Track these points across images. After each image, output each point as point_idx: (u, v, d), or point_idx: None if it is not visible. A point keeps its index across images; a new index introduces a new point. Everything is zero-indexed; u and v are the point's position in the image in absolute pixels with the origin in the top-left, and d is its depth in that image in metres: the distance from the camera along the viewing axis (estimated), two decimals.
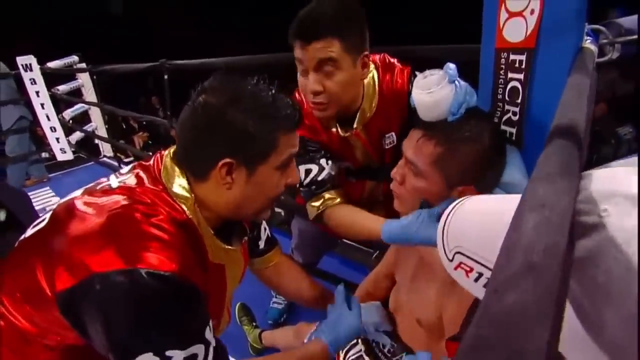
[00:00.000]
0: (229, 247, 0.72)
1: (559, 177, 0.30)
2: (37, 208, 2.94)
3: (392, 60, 1.00)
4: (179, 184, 0.64)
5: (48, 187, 3.51)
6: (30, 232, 0.64)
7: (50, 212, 0.64)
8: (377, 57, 1.00)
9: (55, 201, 3.17)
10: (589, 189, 0.30)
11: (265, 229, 0.95)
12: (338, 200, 0.94)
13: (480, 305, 0.20)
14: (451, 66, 0.66)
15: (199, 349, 0.57)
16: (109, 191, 0.62)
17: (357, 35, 0.83)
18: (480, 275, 0.39)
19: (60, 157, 3.88)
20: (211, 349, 0.60)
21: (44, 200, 3.25)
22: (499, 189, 0.68)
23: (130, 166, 0.70)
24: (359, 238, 0.98)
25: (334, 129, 0.97)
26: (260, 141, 0.62)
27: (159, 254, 0.54)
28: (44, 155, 4.14)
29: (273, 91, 0.64)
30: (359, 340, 0.91)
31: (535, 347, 0.17)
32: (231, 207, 0.66)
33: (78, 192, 0.66)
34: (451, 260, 0.46)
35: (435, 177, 0.67)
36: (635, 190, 0.27)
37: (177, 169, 0.65)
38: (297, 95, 0.98)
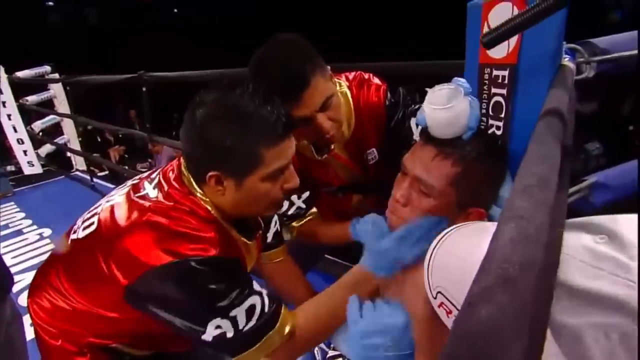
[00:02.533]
0: (247, 240, 0.78)
1: (538, 190, 0.30)
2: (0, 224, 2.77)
3: (366, 76, 1.00)
4: (196, 188, 0.71)
5: (13, 202, 3.30)
6: (82, 233, 0.73)
7: (97, 216, 0.72)
8: (350, 74, 1.00)
9: (19, 217, 3.00)
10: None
11: (275, 222, 0.96)
12: (306, 219, 1.01)
13: (455, 320, 0.19)
14: (461, 80, 0.64)
15: (254, 299, 0.67)
16: (145, 198, 0.70)
17: (322, 64, 0.83)
18: None
19: (28, 170, 3.69)
20: (265, 297, 0.69)
21: (9, 215, 3.05)
22: (494, 206, 0.68)
23: (157, 171, 0.78)
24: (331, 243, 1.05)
25: (308, 154, 0.96)
26: (241, 156, 0.64)
27: (198, 244, 0.65)
28: (10, 168, 3.93)
29: (257, 101, 0.64)
30: None
31: None
32: (231, 209, 0.72)
33: (117, 196, 0.74)
34: (435, 298, 0.45)
35: (449, 198, 0.63)
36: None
37: (189, 174, 0.71)
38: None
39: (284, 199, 0.76)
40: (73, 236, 0.75)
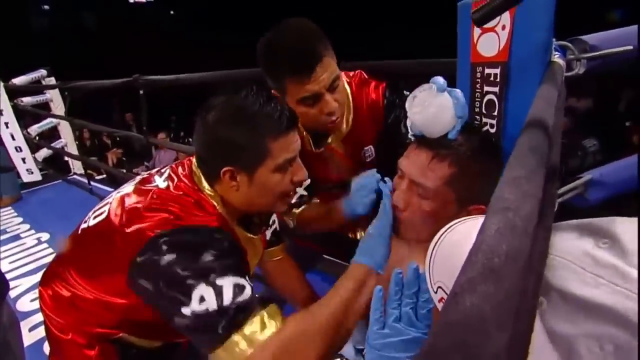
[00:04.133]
0: (251, 235, 0.82)
1: (525, 181, 0.30)
2: None
3: (366, 75, 1.01)
4: (205, 185, 0.75)
5: (10, 207, 3.29)
6: (92, 221, 0.76)
7: (108, 206, 0.76)
8: (350, 73, 1.01)
9: (17, 222, 2.99)
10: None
11: (274, 220, 0.99)
12: (303, 207, 1.01)
13: (440, 311, 0.18)
14: (437, 77, 0.65)
15: (245, 282, 0.66)
16: (155, 189, 0.73)
17: (331, 47, 0.85)
18: None
19: (27, 178, 3.68)
20: (252, 290, 0.66)
21: (7, 220, 3.04)
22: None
23: (167, 168, 0.81)
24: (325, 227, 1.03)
25: (307, 147, 0.97)
26: (249, 149, 0.69)
27: (199, 218, 0.69)
28: None
29: (261, 100, 0.69)
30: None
31: (492, 353, 0.16)
32: (245, 204, 0.76)
33: (128, 187, 0.78)
34: (436, 292, 0.45)
35: (447, 199, 0.64)
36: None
37: (200, 173, 0.76)
38: None
39: (294, 191, 0.79)
40: (83, 226, 0.79)
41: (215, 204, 0.74)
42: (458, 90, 0.65)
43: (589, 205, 0.84)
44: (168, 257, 0.64)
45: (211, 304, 0.61)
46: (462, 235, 0.46)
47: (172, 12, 11.55)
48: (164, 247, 0.64)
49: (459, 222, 0.49)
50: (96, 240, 0.74)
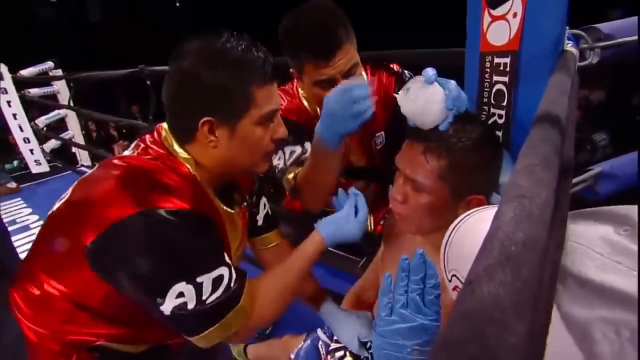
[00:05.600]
0: (228, 209, 0.75)
1: (540, 169, 0.29)
2: (6, 220, 2.80)
3: (381, 64, 1.02)
4: (178, 148, 0.68)
5: (20, 198, 3.34)
6: (56, 205, 0.69)
7: (72, 187, 0.70)
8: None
9: (26, 212, 3.04)
10: None
11: (265, 205, 0.93)
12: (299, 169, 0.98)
13: (455, 299, 0.18)
14: (428, 69, 0.64)
15: (223, 270, 0.63)
16: (121, 157, 0.68)
17: (353, 32, 0.85)
18: None
19: (35, 169, 3.72)
20: (233, 270, 0.66)
21: (16, 211, 3.09)
22: (495, 193, 0.67)
23: (137, 139, 0.74)
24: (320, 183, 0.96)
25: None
26: (234, 96, 0.63)
27: (171, 196, 0.61)
28: (15, 163, 3.96)
29: (243, 45, 0.64)
30: (347, 352, 0.88)
31: (510, 343, 0.15)
32: (223, 164, 0.69)
33: (94, 168, 0.72)
34: (450, 281, 0.44)
35: (441, 191, 0.63)
36: None
37: (172, 136, 0.69)
38: (302, 102, 1.00)
39: (274, 151, 0.76)
40: (49, 213, 0.71)
41: (189, 167, 0.67)
42: (452, 82, 0.63)
43: (599, 197, 0.83)
44: (141, 247, 0.59)
45: (190, 301, 0.60)
46: (476, 224, 0.45)
47: (177, 4, 11.52)
48: (136, 234, 0.58)
49: (474, 212, 0.48)
50: (58, 225, 0.67)
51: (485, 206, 0.53)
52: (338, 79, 0.84)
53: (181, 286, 0.59)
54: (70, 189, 0.69)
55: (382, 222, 1.22)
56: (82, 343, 0.68)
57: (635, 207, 0.30)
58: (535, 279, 0.19)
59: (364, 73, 0.96)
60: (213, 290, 0.62)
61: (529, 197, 0.24)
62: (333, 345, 0.95)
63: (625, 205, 0.31)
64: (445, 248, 0.46)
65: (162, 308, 0.60)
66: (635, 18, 0.71)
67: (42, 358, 0.69)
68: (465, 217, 0.48)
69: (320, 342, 0.99)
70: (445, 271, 0.45)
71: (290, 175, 0.97)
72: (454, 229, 0.47)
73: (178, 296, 0.59)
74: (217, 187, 0.73)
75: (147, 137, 0.71)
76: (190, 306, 0.60)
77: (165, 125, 0.71)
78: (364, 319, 0.87)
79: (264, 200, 0.93)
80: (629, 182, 0.84)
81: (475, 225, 0.45)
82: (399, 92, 0.66)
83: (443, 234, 0.69)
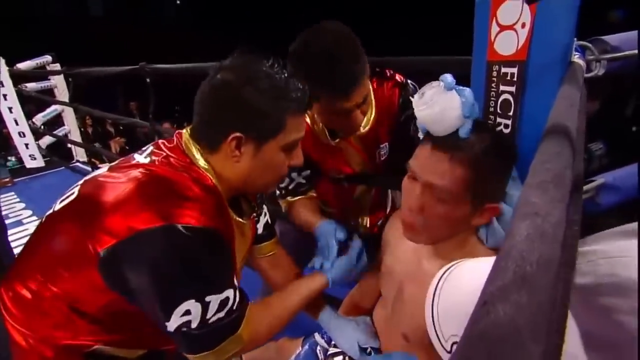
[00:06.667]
0: (240, 219, 0.76)
1: (552, 186, 0.29)
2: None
3: (388, 73, 1.01)
4: (200, 158, 0.69)
5: (13, 193, 3.30)
6: (58, 206, 0.68)
7: (78, 187, 0.69)
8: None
9: (20, 207, 3.00)
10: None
11: (265, 213, 0.94)
12: (299, 197, 1.04)
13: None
14: (446, 75, 0.63)
15: (230, 292, 0.65)
16: (137, 165, 0.67)
17: (366, 60, 0.85)
18: None
19: (30, 164, 3.68)
20: (238, 292, 0.68)
21: (9, 206, 3.05)
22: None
23: (151, 145, 0.73)
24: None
25: (322, 138, 0.99)
26: (270, 120, 0.67)
27: (192, 210, 0.60)
28: (11, 158, 3.92)
29: (285, 74, 0.68)
30: (346, 358, 0.87)
31: None
32: (239, 179, 0.71)
33: (103, 169, 0.71)
34: (449, 352, 0.42)
35: (464, 201, 0.62)
36: None
37: (194, 145, 0.70)
38: (307, 121, 1.00)
39: (286, 175, 0.78)
40: (48, 212, 0.70)
41: (210, 177, 0.68)
42: (467, 89, 0.62)
43: (600, 209, 0.83)
44: (159, 261, 0.59)
45: (194, 319, 0.61)
46: (468, 282, 0.44)
47: (178, 2, 11.49)
48: (156, 248, 0.58)
49: (453, 266, 0.47)
50: (62, 224, 0.65)
51: (461, 260, 0.52)
52: (353, 110, 0.86)
53: (190, 303, 0.60)
54: (76, 189, 0.68)
55: (379, 224, 1.24)
56: (77, 348, 0.67)
57: None
58: (550, 300, 0.19)
59: (369, 85, 0.95)
60: (218, 311, 0.63)
61: (542, 215, 0.24)
62: (331, 350, 0.95)
63: None
64: (432, 311, 0.44)
65: (167, 323, 0.61)
66: None
67: None
68: (443, 274, 0.46)
69: (318, 347, 0.98)
70: (438, 336, 0.43)
71: (284, 204, 1.06)
72: (436, 289, 0.45)
73: (185, 314, 0.60)
74: (228, 198, 0.73)
75: (164, 142, 0.72)
76: (194, 325, 0.61)
77: (185, 132, 0.72)
78: (363, 325, 0.87)
79: (264, 208, 0.94)
80: (630, 194, 0.84)
81: (464, 284, 0.43)
82: (414, 97, 0.65)
83: (449, 243, 0.68)
